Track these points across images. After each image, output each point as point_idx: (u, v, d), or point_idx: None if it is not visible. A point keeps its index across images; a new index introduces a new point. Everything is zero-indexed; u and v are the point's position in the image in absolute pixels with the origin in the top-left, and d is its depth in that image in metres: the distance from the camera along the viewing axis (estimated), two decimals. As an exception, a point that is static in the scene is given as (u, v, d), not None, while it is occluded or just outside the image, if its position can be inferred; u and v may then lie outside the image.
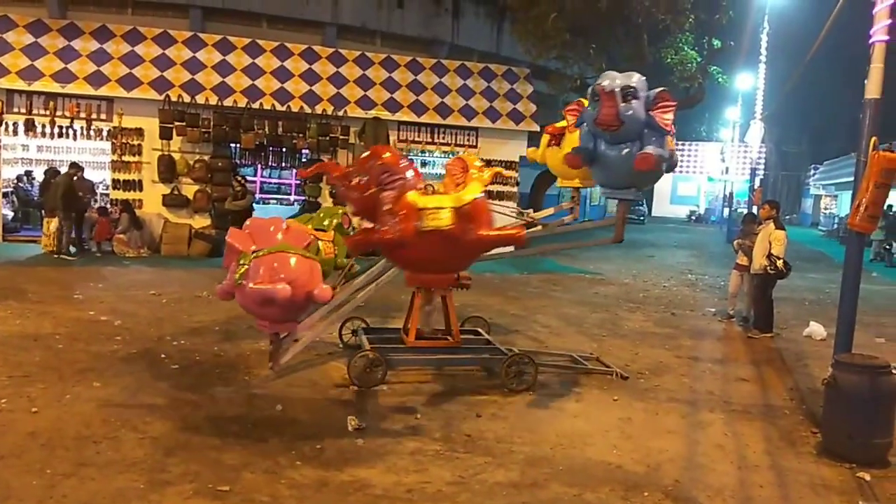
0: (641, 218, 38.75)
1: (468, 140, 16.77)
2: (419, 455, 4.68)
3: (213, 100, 14.81)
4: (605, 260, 18.05)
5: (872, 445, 4.93)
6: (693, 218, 45.95)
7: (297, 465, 4.43)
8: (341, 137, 15.52)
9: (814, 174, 45.46)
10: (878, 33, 5.47)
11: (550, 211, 8.70)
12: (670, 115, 5.76)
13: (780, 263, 8.93)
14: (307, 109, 15.42)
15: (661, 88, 5.88)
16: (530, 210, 9.11)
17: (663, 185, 51.20)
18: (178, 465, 4.33)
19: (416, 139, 16.61)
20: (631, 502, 4.14)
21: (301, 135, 15.18)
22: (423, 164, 17.89)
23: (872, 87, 5.57)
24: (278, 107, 15.24)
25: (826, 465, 4.88)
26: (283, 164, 15.83)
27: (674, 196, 51.43)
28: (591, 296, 12.13)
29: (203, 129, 14.63)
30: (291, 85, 15.81)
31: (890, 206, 23.60)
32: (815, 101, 39.00)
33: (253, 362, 6.65)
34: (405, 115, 16.30)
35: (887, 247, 21.63)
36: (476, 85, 17.30)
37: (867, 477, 4.69)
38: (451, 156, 16.59)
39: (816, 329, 9.25)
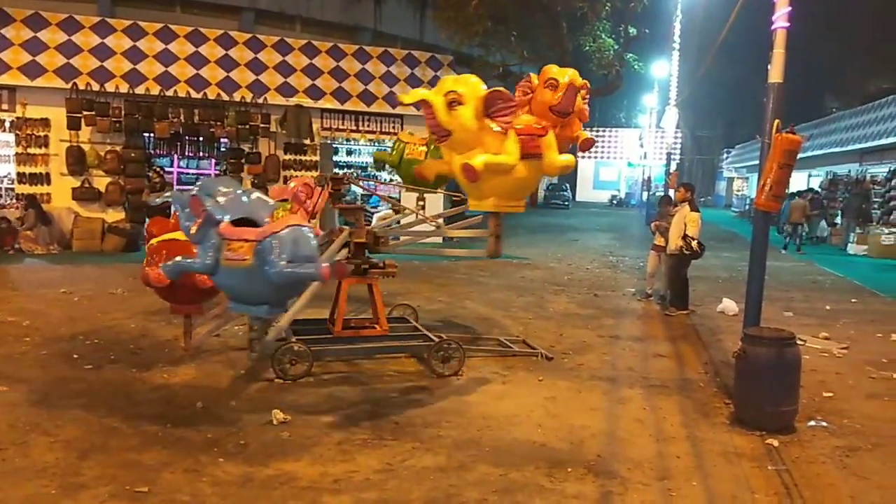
0: (566, 203, 39.62)
1: (394, 128, 16.66)
2: (346, 445, 4.64)
3: (124, 87, 14.17)
4: (531, 245, 18.36)
5: (780, 413, 5.21)
6: (615, 202, 47.26)
7: (219, 462, 4.32)
8: (262, 126, 15.14)
9: (726, 158, 47.65)
10: (779, 20, 5.73)
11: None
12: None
13: (694, 244, 9.31)
14: (225, 97, 14.96)
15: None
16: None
17: (586, 171, 52.48)
18: (93, 469, 4.14)
19: (340, 127, 16.38)
20: (555, 479, 4.23)
21: (219, 123, 14.71)
22: (349, 152, 17.71)
23: (775, 72, 5.84)
24: (194, 94, 14.73)
25: (738, 434, 5.13)
26: (201, 154, 15.31)
27: (596, 181, 52.70)
28: (518, 280, 12.32)
29: (114, 119, 13.96)
30: (207, 71, 15.29)
31: (811, 189, 25.00)
32: (726, 87, 40.67)
33: (171, 360, 6.42)
34: (328, 103, 16.06)
35: (789, 226, 22.87)
36: (400, 72, 17.19)
37: (775, 443, 4.96)
38: (377, 144, 16.48)
39: (729, 305, 9.70)
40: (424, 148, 8.21)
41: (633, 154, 47.18)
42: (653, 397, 5.96)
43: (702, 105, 45.54)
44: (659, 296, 10.49)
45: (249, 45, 16.13)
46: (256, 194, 5.56)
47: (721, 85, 38.06)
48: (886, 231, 18.56)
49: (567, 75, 6.36)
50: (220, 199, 5.14)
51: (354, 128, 16.50)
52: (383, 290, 6.96)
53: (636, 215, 34.18)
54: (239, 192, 5.42)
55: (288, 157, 15.57)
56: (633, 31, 17.46)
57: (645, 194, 35.15)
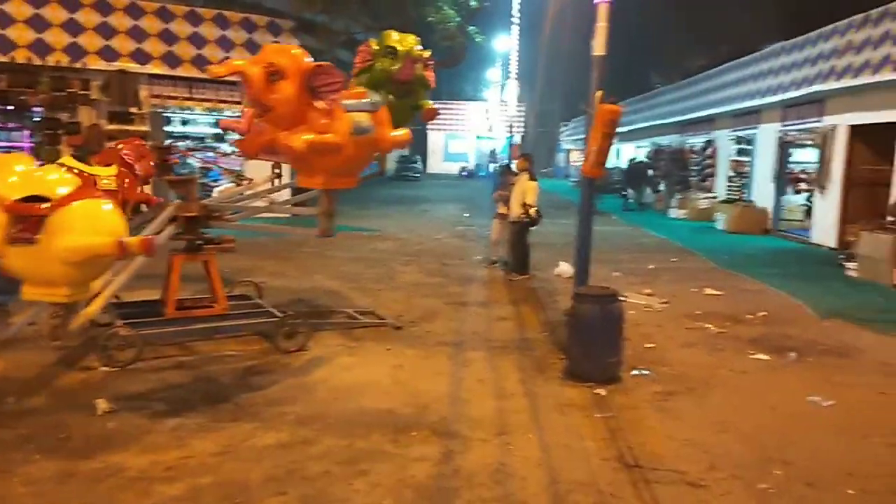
0: (417, 175, 39.96)
1: (232, 96, 15.81)
2: (180, 430, 4.40)
3: None
4: (382, 217, 18.34)
5: (606, 364, 5.62)
6: (464, 174, 48.35)
7: (34, 460, 3.93)
8: (81, 92, 13.77)
9: (564, 130, 50.18)
10: (601, -5, 6.04)
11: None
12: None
13: (532, 211, 9.74)
14: (37, 61, 13.42)
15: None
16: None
17: (436, 144, 53.14)
18: None
19: (172, 94, 15.28)
20: (400, 443, 4.29)
21: (31, 90, 13.20)
22: (184, 122, 16.62)
23: (598, 45, 6.16)
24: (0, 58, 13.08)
25: (570, 387, 5.47)
26: (11, 125, 13.68)
27: (446, 153, 53.59)
28: (369, 252, 12.28)
29: None
30: (14, 32, 13.63)
31: (633, 159, 26.92)
32: (564, 61, 42.64)
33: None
34: (157, 68, 14.91)
35: (623, 193, 24.69)
36: (237, 37, 16.28)
37: (603, 392, 5.35)
38: (215, 113, 15.59)
39: (565, 268, 10.27)
40: None
41: (480, 127, 48.41)
42: (495, 358, 6.20)
43: (542, 79, 47.52)
44: (503, 262, 10.89)
45: (64, 5, 14.48)
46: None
47: (558, 59, 39.83)
48: (702, 196, 20.51)
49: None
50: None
51: (188, 95, 15.45)
52: (225, 268, 6.65)
53: (484, 186, 35.12)
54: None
55: (113, 126, 14.29)
56: (474, 3, 17.76)
57: (491, 166, 36.25)
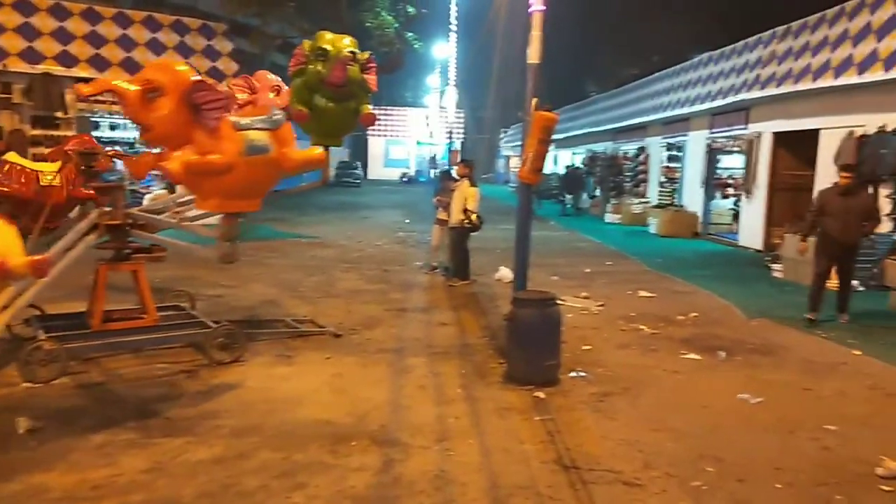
0: (357, 181, 39.73)
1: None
2: (108, 447, 4.22)
3: None
4: (322, 223, 18.17)
5: (545, 368, 5.69)
6: (405, 180, 48.33)
7: (-54, 486, 3.70)
8: (2, 96, 13.14)
9: (504, 137, 50.78)
10: (536, 3, 6.14)
11: None
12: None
13: (473, 217, 9.80)
14: (-49, 62, 12.74)
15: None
16: None
17: (377, 150, 52.97)
18: None
19: (101, 99, 14.69)
20: (339, 453, 4.22)
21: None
22: (112, 127, 16.07)
23: (533, 53, 6.25)
24: None
25: (510, 391, 5.51)
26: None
27: (387, 159, 53.48)
28: (308, 259, 12.11)
29: None
30: (-77, 31, 12.89)
31: (570, 165, 27.45)
32: (503, 69, 43.21)
33: None
34: (84, 71, 14.35)
35: (561, 199, 25.15)
36: (168, 39, 15.86)
37: (542, 395, 5.41)
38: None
39: (505, 273, 10.37)
40: None
41: (420, 133, 48.52)
42: (435, 364, 6.19)
43: (481, 86, 48.00)
44: (444, 268, 10.91)
45: (-20, 3, 13.85)
46: None
47: (497, 66, 40.33)
48: (636, 201, 21.09)
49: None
50: None
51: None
52: (156, 278, 6.42)
53: (425, 192, 35.19)
54: None
55: (37, 131, 13.69)
56: (412, 10, 17.81)
57: (432, 172, 36.37)
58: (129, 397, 5.14)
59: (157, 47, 15.53)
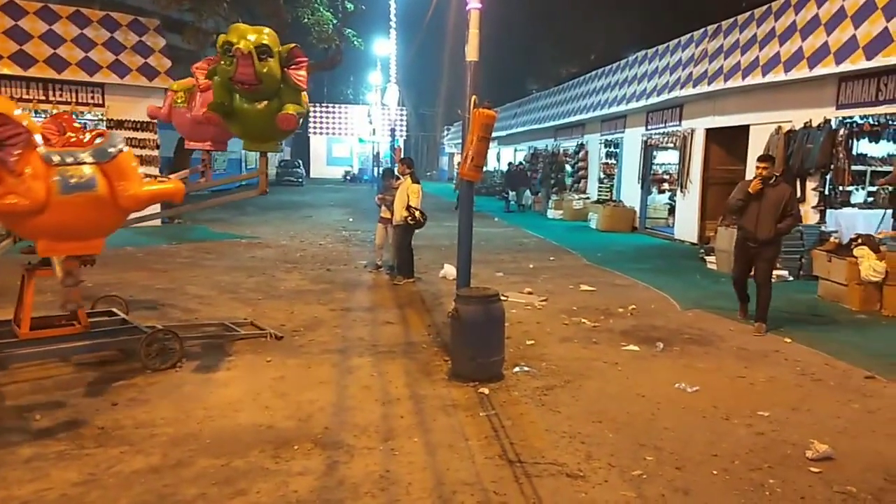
0: (300, 180, 39.17)
1: (93, 98, 14.81)
2: (38, 461, 4.02)
3: None
4: (263, 223, 17.84)
5: (489, 363, 5.72)
6: (348, 178, 47.94)
7: None
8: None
9: (446, 134, 50.92)
10: (473, 1, 6.15)
11: (186, 172, 8.13)
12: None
13: (417, 214, 9.78)
14: None
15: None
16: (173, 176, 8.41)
17: (319, 148, 52.36)
18: None
19: (25, 97, 14.08)
20: (281, 458, 4.14)
21: None
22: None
23: (471, 51, 6.27)
24: None
25: (455, 387, 5.52)
26: None
27: (329, 157, 52.95)
28: (248, 260, 11.86)
29: None
30: None
31: (511, 162, 27.72)
32: (444, 66, 43.31)
33: None
34: (6, 68, 13.71)
35: (505, 195, 25.38)
36: (97, 35, 15.26)
37: (486, 391, 5.43)
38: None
39: (450, 270, 10.39)
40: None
41: (363, 130, 48.15)
42: (380, 363, 6.15)
43: (423, 83, 48.01)
44: (388, 266, 10.85)
45: None
46: None
47: (438, 64, 40.38)
48: (577, 197, 21.46)
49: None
50: None
51: (44, 97, 14.31)
52: (89, 282, 6.16)
53: (369, 190, 35.01)
54: None
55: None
56: (350, 6, 17.64)
57: (376, 170, 36.17)
58: (60, 407, 4.91)
59: (85, 43, 14.92)
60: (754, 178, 7.59)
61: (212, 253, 12.50)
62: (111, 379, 5.55)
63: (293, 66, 5.89)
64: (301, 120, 6.23)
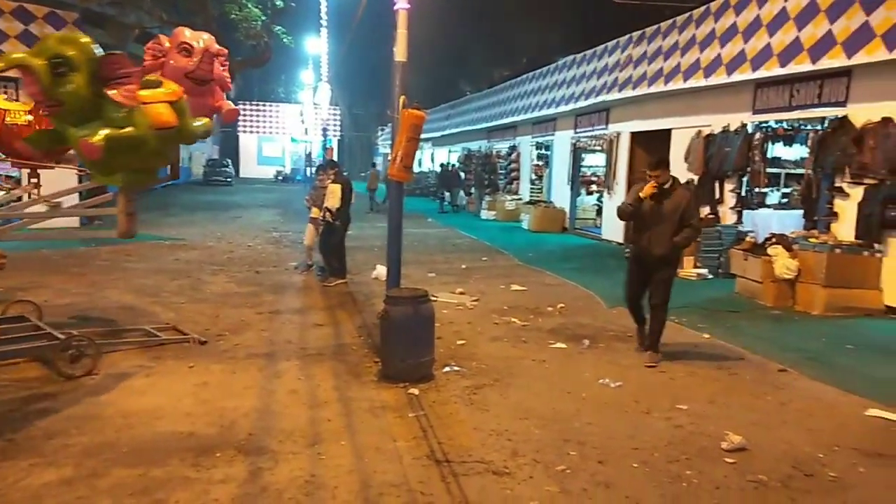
0: (228, 180, 38.22)
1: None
2: (-66, 478, 3.78)
3: None
4: (188, 224, 17.33)
5: (419, 364, 5.72)
6: (280, 178, 47.11)
7: None
8: None
9: (381, 135, 50.69)
10: (401, 1, 6.14)
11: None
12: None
13: (328, 215, 9.73)
14: None
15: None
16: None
17: (249, 147, 51.25)
18: None
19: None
20: (202, 466, 4.02)
21: None
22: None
23: (400, 51, 6.26)
24: None
25: (384, 389, 5.50)
26: None
27: (260, 157, 51.92)
28: (171, 263, 11.48)
29: None
30: None
31: (444, 163, 27.82)
32: (376, 66, 43.12)
33: None
34: None
35: (440, 196, 25.47)
36: (9, 27, 14.47)
37: (416, 391, 5.43)
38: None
39: (382, 271, 10.27)
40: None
41: (295, 129, 47.43)
42: (309, 366, 6.06)
43: (357, 83, 47.63)
44: (319, 267, 10.71)
45: None
46: None
47: (372, 64, 40.18)
48: (509, 198, 21.74)
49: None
50: None
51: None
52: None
53: (301, 190, 34.44)
54: None
55: None
56: (279, 2, 17.33)
57: (308, 170, 35.68)
58: (-39, 421, 4.63)
59: (-5, 35, 14.12)
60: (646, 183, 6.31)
61: (133, 255, 12.04)
62: (22, 387, 5.27)
63: (117, 82, 5.21)
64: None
